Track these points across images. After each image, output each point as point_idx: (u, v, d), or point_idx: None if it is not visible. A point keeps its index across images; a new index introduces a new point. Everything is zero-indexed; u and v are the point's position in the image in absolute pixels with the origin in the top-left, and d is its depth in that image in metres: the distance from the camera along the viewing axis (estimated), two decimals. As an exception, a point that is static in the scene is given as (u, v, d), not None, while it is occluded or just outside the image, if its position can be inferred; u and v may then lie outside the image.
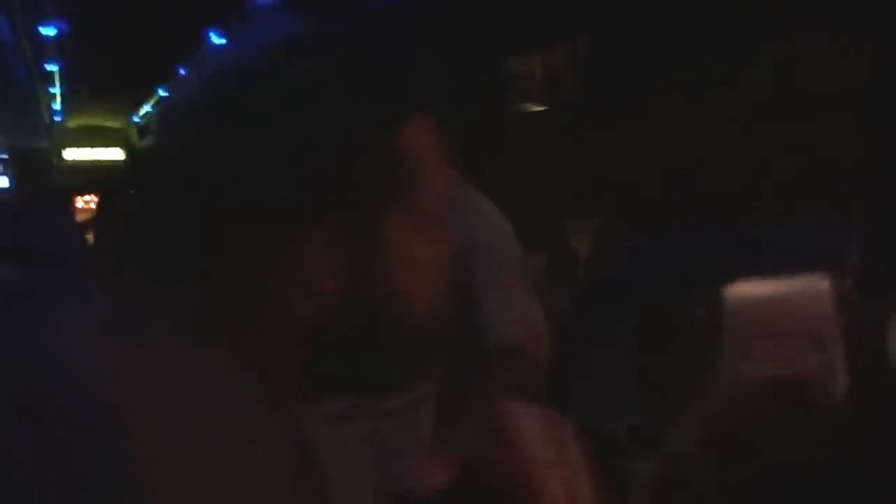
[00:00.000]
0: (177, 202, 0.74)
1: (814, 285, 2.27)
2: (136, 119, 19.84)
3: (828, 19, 3.40)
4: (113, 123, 20.36)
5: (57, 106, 17.20)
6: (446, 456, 0.89)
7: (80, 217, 6.03)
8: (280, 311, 0.74)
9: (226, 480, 0.65)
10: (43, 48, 11.36)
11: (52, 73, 13.11)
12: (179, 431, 0.65)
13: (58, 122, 18.41)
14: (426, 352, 0.80)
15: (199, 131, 0.75)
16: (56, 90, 15.58)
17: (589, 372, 2.61)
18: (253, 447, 0.68)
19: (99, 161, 19.31)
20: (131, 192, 0.81)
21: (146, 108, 17.57)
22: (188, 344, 0.70)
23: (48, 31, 9.87)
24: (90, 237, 2.80)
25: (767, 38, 3.66)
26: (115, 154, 19.59)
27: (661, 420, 2.39)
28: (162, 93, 13.75)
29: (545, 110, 4.74)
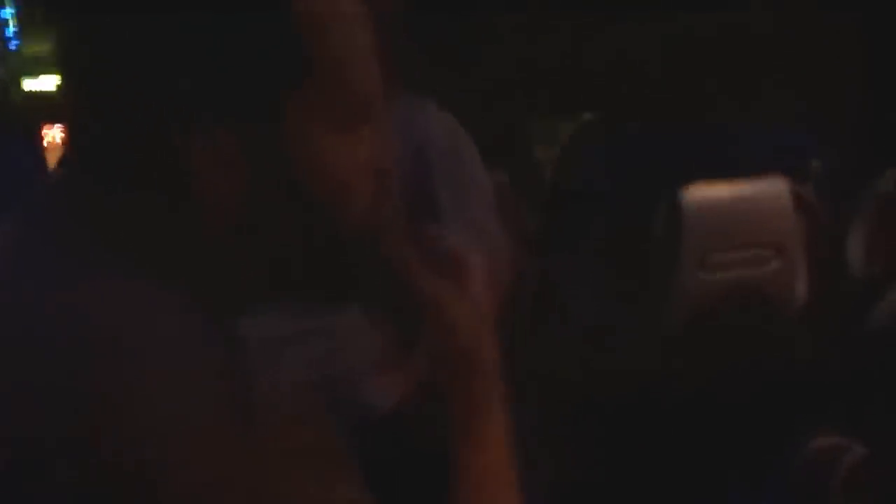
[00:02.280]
0: (104, 118, 0.71)
1: (773, 189, 2.25)
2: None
3: None
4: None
5: (11, 32, 16.78)
6: (403, 371, 0.88)
7: (50, 152, 5.92)
8: (200, 218, 0.70)
9: (160, 399, 0.62)
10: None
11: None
12: (108, 351, 0.63)
13: (13, 49, 17.99)
14: (364, 259, 0.77)
15: (97, 30, 0.71)
16: (9, 15, 15.17)
17: (557, 283, 2.59)
18: (186, 367, 0.65)
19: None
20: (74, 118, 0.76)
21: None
22: (121, 266, 0.68)
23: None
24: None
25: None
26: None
27: (625, 324, 2.38)
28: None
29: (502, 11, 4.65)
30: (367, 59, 0.72)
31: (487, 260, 2.04)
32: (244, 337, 0.73)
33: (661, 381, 2.26)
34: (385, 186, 0.75)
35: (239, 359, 0.70)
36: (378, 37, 0.73)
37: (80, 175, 0.72)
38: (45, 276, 0.66)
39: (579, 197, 2.53)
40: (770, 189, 2.27)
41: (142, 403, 0.61)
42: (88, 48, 0.70)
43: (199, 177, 0.68)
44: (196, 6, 0.67)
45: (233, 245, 0.71)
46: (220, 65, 0.67)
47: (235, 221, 0.70)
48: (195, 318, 0.67)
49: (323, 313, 1.01)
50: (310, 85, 0.69)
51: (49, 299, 0.64)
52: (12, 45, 19.03)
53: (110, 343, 0.63)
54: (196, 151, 0.68)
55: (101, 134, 0.70)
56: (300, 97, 0.68)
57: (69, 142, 0.74)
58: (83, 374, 0.62)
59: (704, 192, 2.23)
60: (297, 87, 0.68)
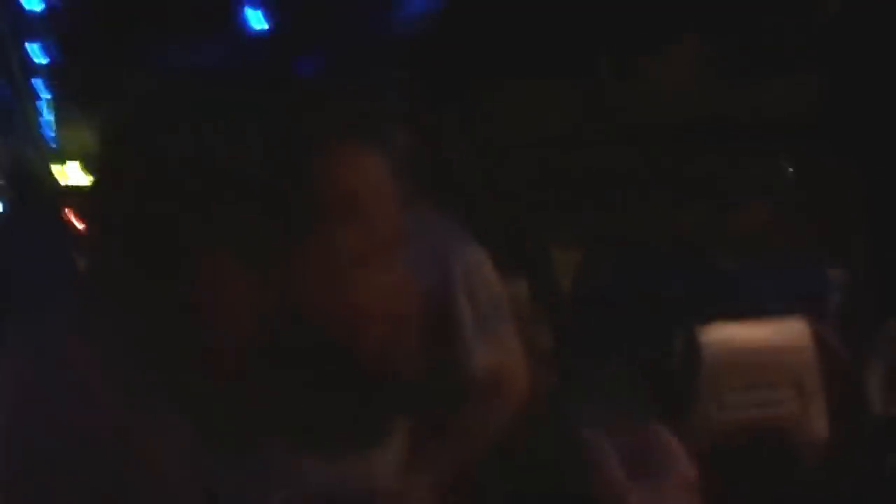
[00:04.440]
0: (114, 225, 0.72)
1: (792, 329, 2.24)
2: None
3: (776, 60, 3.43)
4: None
5: (51, 130, 17.21)
6: (423, 478, 0.86)
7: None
8: (205, 348, 0.70)
9: None
10: (31, 64, 11.36)
11: (43, 97, 13.06)
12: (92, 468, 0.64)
13: (48, 138, 18.39)
14: (389, 401, 0.76)
15: (122, 154, 0.72)
16: (49, 114, 15.57)
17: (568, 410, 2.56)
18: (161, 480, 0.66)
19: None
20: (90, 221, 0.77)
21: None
22: (135, 397, 0.68)
23: (40, 60, 9.88)
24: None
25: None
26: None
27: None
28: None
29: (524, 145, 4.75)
30: (385, 199, 0.73)
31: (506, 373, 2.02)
32: (249, 473, 0.72)
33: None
34: (404, 326, 0.74)
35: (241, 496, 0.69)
36: (394, 176, 0.74)
37: (102, 294, 0.72)
38: (67, 401, 0.67)
39: (596, 322, 2.53)
40: (790, 330, 2.26)
41: None
42: (122, 159, 0.72)
43: (212, 310, 0.69)
44: (214, 147, 0.69)
45: (243, 378, 0.71)
46: (238, 203, 0.69)
47: (248, 356, 0.70)
48: (198, 456, 0.68)
49: (333, 454, 1.00)
50: (326, 226, 0.70)
51: (63, 420, 0.66)
52: (47, 132, 19.51)
53: (113, 476, 0.64)
54: (210, 285, 0.68)
55: (118, 259, 0.71)
56: (317, 237, 0.70)
57: (90, 258, 0.75)
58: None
59: (723, 332, 2.22)
60: (311, 230, 0.69)
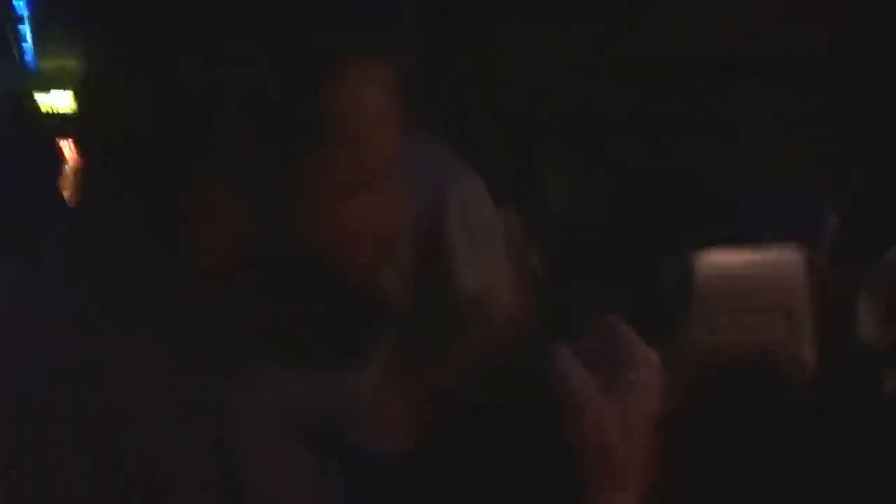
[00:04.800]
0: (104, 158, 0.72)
1: (786, 257, 2.24)
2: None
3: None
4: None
5: (28, 47, 16.92)
6: (404, 415, 0.87)
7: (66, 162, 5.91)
8: (199, 277, 0.70)
9: (148, 467, 0.63)
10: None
11: (20, 14, 12.83)
12: (95, 415, 0.64)
13: (30, 64, 18.13)
14: (369, 312, 0.77)
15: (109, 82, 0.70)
16: (27, 30, 15.31)
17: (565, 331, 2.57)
18: (173, 435, 0.66)
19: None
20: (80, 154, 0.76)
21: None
22: (121, 324, 0.68)
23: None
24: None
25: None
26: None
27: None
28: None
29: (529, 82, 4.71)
30: (382, 124, 0.72)
31: (505, 304, 2.03)
32: (237, 397, 0.72)
33: (663, 441, 2.24)
34: (392, 246, 0.74)
35: (230, 422, 0.70)
36: (392, 100, 0.73)
37: (89, 223, 0.72)
38: (45, 331, 0.68)
39: (589, 248, 2.52)
40: (783, 256, 2.26)
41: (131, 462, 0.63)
42: (106, 83, 0.71)
43: (200, 234, 0.69)
44: (214, 69, 0.67)
45: (231, 304, 0.71)
46: (231, 128, 0.67)
47: (235, 281, 0.70)
48: (187, 380, 0.68)
49: (323, 374, 1.01)
50: (324, 147, 0.69)
51: (44, 353, 0.66)
52: (28, 60, 19.20)
53: (101, 404, 0.64)
54: (203, 205, 0.68)
55: (109, 184, 0.71)
56: (314, 158, 0.69)
57: (81, 184, 0.74)
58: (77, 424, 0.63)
59: (715, 257, 2.22)
60: (310, 153, 0.68)
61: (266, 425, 0.77)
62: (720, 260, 2.18)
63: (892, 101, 3.03)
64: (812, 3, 3.72)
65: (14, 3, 12.68)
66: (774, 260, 2.26)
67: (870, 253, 2.25)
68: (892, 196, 2.66)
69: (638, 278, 2.30)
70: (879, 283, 2.21)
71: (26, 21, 15.74)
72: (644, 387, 0.85)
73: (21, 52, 18.44)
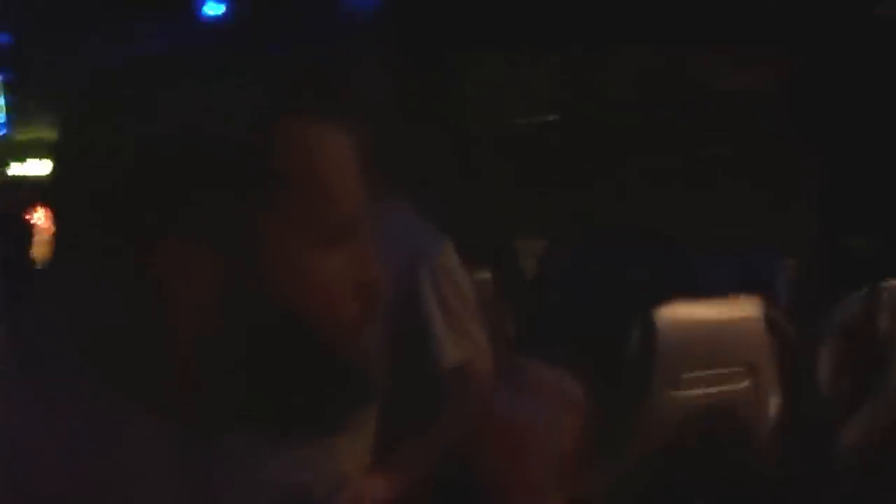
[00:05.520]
0: (69, 217, 0.71)
1: (746, 310, 2.31)
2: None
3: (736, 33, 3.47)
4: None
5: (2, 119, 16.86)
6: (393, 477, 0.83)
7: (39, 233, 5.90)
8: (161, 335, 0.69)
9: None
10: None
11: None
12: (73, 473, 0.63)
13: (3, 135, 18.03)
14: (350, 368, 0.73)
15: (74, 133, 0.72)
16: (1, 101, 15.26)
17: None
18: (148, 489, 0.66)
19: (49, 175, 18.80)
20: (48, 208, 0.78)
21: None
22: (93, 385, 0.68)
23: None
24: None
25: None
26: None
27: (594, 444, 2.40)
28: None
29: (497, 131, 4.76)
30: (347, 175, 0.72)
31: (478, 364, 2.05)
32: (214, 464, 0.72)
33: (629, 495, 2.27)
34: (370, 302, 0.72)
35: (206, 488, 0.70)
36: (357, 152, 0.73)
37: (60, 271, 0.72)
38: (23, 389, 0.67)
39: (558, 305, 2.58)
40: (743, 310, 2.32)
41: None
42: (80, 139, 0.71)
43: (172, 294, 0.68)
44: (174, 125, 0.69)
45: (206, 367, 0.70)
46: (196, 181, 0.68)
47: (211, 343, 0.69)
48: (163, 443, 0.67)
49: (301, 440, 1.00)
50: (287, 204, 0.69)
51: (18, 411, 0.66)
52: (2, 131, 19.09)
53: (78, 465, 0.64)
54: (173, 262, 0.67)
55: (82, 245, 0.70)
56: (278, 216, 0.68)
57: (54, 235, 0.74)
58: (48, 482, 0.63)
59: (678, 312, 2.28)
60: (273, 208, 0.68)
61: (243, 481, 0.76)
62: (681, 314, 2.25)
63: (841, 147, 3.13)
64: (759, 49, 3.82)
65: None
66: (736, 315, 2.33)
67: (826, 303, 2.32)
68: (844, 245, 2.74)
69: (603, 334, 2.35)
70: (832, 336, 2.28)
71: (1, 91, 15.70)
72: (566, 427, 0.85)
73: (-5, 122, 18.36)
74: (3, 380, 0.68)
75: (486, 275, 2.93)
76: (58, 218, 0.74)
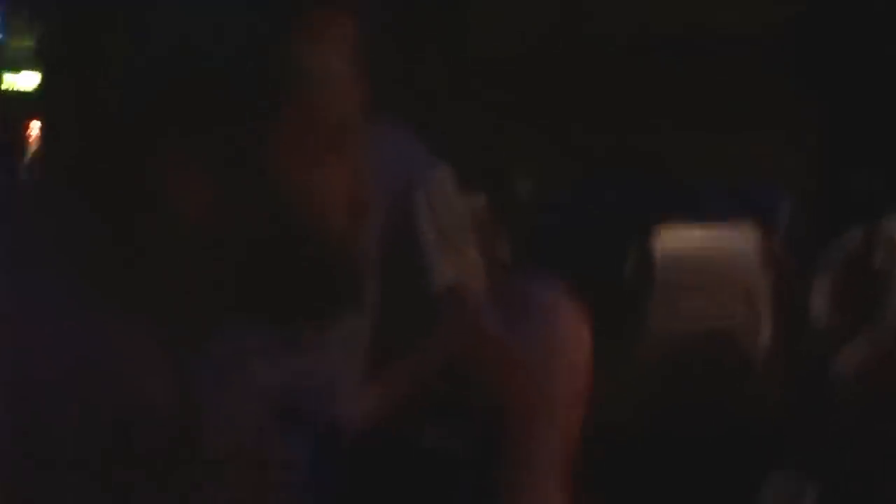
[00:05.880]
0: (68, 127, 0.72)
1: (743, 239, 2.30)
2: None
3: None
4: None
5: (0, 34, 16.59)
6: (384, 391, 0.85)
7: (34, 146, 5.87)
8: (168, 239, 0.69)
9: (108, 419, 0.64)
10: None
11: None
12: (61, 370, 0.64)
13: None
14: (340, 277, 0.74)
15: (70, 49, 0.71)
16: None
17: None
18: (136, 387, 0.66)
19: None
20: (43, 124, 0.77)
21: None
22: (76, 284, 0.68)
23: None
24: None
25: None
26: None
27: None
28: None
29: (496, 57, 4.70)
30: (344, 83, 0.71)
31: (470, 285, 2.06)
32: (203, 369, 0.73)
33: (626, 419, 2.30)
34: (362, 213, 0.74)
35: (198, 383, 0.71)
36: (354, 60, 0.72)
37: (51, 186, 0.72)
38: (6, 294, 0.67)
39: (555, 234, 2.58)
40: (740, 238, 2.32)
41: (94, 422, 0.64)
42: (68, 50, 0.70)
43: (170, 198, 0.68)
44: (179, 34, 0.68)
45: (201, 266, 0.71)
46: (199, 92, 0.68)
47: (205, 251, 0.70)
48: (154, 341, 0.69)
49: (296, 329, 1.01)
50: (284, 114, 0.68)
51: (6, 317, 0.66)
52: (-4, 39, 18.80)
53: (63, 367, 0.65)
54: (168, 175, 0.68)
55: (73, 147, 0.70)
56: (275, 126, 0.68)
57: (43, 149, 0.75)
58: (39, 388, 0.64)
59: (675, 239, 2.28)
60: (275, 118, 0.68)
61: (231, 385, 0.77)
62: (679, 237, 2.24)
63: (842, 84, 3.09)
64: None
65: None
66: (732, 239, 2.32)
67: (823, 238, 2.31)
68: (844, 181, 2.72)
69: (602, 262, 2.35)
70: (830, 271, 2.27)
71: (-5, 0, 15.42)
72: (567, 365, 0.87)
73: (-11, 31, 18.06)
74: None
75: (481, 200, 2.92)
76: (47, 133, 0.74)
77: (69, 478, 0.65)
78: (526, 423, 1.15)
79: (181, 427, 0.67)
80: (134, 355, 0.68)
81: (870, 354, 2.15)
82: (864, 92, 3.09)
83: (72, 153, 0.70)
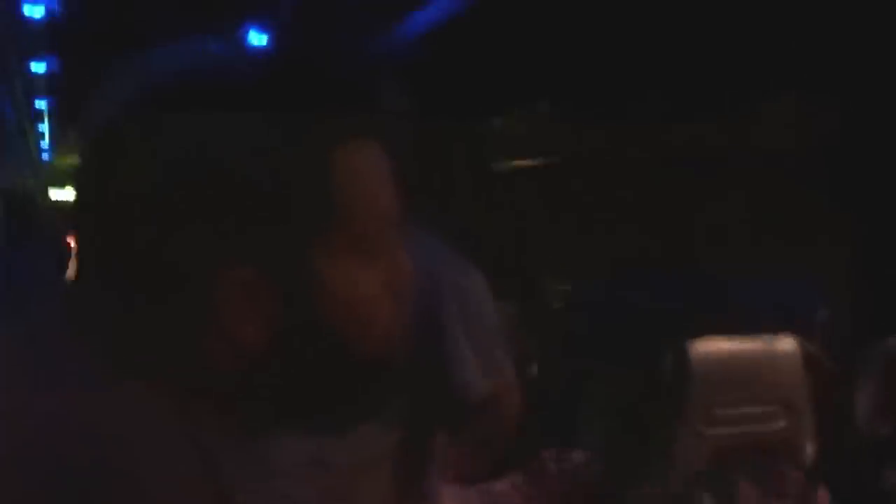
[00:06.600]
0: (97, 239, 0.73)
1: (782, 346, 2.24)
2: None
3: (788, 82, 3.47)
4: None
5: (45, 145, 17.24)
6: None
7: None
8: (204, 360, 0.70)
9: None
10: (32, 85, 11.39)
11: (40, 110, 13.09)
12: (97, 471, 0.63)
13: (46, 161, 18.44)
14: (378, 388, 0.76)
15: (103, 163, 0.72)
16: (45, 128, 15.61)
17: (557, 428, 2.56)
18: (167, 489, 0.65)
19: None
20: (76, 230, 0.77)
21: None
22: (125, 391, 0.68)
23: (38, 68, 9.89)
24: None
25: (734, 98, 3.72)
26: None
27: (626, 480, 2.33)
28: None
29: (523, 169, 4.77)
30: (383, 187, 0.74)
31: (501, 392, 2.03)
32: (243, 465, 0.73)
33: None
34: (401, 311, 0.75)
35: (230, 494, 0.70)
36: (390, 164, 0.75)
37: (95, 292, 0.72)
38: (43, 389, 0.67)
39: (586, 339, 2.53)
40: (779, 346, 2.25)
41: None
42: (114, 182, 0.70)
43: (222, 312, 0.68)
44: (231, 154, 0.68)
45: (246, 373, 0.71)
46: (255, 210, 0.68)
47: (252, 355, 0.70)
48: (193, 448, 0.68)
49: (332, 444, 1.01)
50: (334, 223, 0.70)
51: (47, 413, 0.65)
52: (45, 156, 19.52)
53: (105, 468, 0.63)
54: (223, 289, 0.68)
55: (119, 261, 0.70)
56: (326, 237, 0.70)
57: (80, 260, 0.74)
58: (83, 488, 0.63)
59: (712, 346, 2.22)
60: (327, 230, 0.69)
61: (261, 495, 0.77)
62: (716, 347, 2.18)
63: (874, 186, 3.10)
64: (794, 111, 3.82)
65: (35, 100, 12.99)
66: (771, 351, 2.26)
67: (864, 343, 2.25)
68: (880, 286, 2.68)
69: (636, 364, 2.29)
70: (872, 376, 2.20)
71: (45, 118, 16.09)
72: None
73: (39, 148, 18.77)
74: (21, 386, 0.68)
75: (511, 308, 2.90)
76: (80, 241, 0.74)
77: None
78: None
79: None
80: (169, 456, 0.66)
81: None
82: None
83: (110, 260, 0.70)
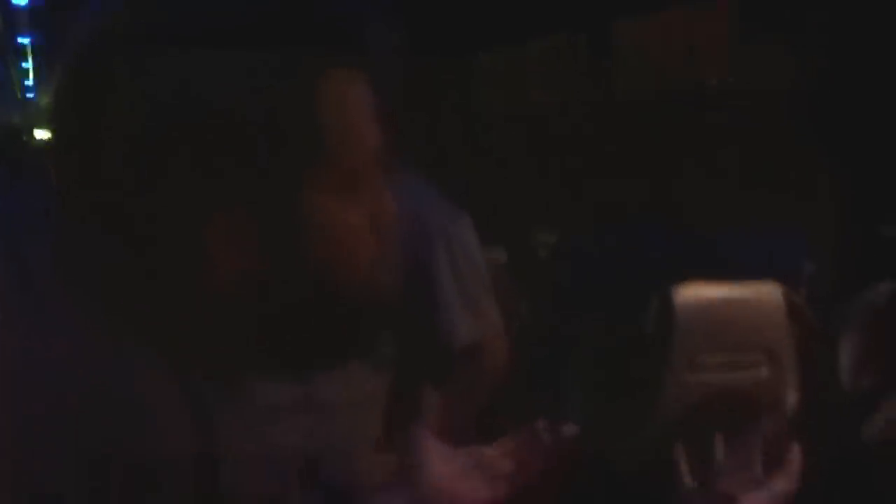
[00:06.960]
0: (82, 181, 0.73)
1: (767, 294, 2.24)
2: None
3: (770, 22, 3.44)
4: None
5: (30, 82, 17.08)
6: (393, 457, 0.89)
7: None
8: (192, 302, 0.70)
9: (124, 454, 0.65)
10: (15, 20, 11.24)
11: (24, 46, 12.93)
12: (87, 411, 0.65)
13: (31, 98, 18.27)
14: (364, 326, 0.78)
15: (89, 103, 0.71)
16: (28, 65, 15.44)
17: (542, 378, 2.58)
18: (157, 428, 0.67)
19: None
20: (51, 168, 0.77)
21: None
22: (103, 324, 0.69)
23: (19, 2, 9.73)
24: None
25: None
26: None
27: (609, 428, 2.35)
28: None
29: (518, 114, 4.75)
30: (370, 122, 0.73)
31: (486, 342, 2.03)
32: (231, 406, 0.73)
33: (642, 479, 2.23)
34: (387, 248, 0.75)
35: (218, 434, 0.71)
36: (378, 99, 0.74)
37: (81, 237, 0.72)
38: (45, 331, 0.68)
39: (572, 289, 2.53)
40: (763, 294, 2.26)
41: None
42: (108, 113, 0.70)
43: (209, 252, 0.68)
44: (222, 92, 0.67)
45: (234, 313, 0.71)
46: (243, 147, 0.67)
47: (239, 290, 0.70)
48: (179, 388, 0.69)
49: (315, 385, 1.03)
50: (317, 157, 0.70)
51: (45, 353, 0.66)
52: (29, 95, 19.31)
53: (84, 400, 0.65)
54: (210, 229, 0.68)
55: (113, 194, 0.70)
56: (310, 170, 0.70)
57: (64, 203, 0.75)
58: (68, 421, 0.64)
59: (697, 292, 2.23)
60: (314, 164, 0.69)
61: (252, 440, 0.77)
62: (699, 294, 2.19)
63: (870, 137, 3.09)
64: (782, 42, 3.78)
65: (18, 38, 12.79)
66: (755, 298, 2.27)
67: (849, 294, 2.26)
68: (865, 234, 2.68)
69: (622, 314, 2.30)
70: (855, 329, 2.21)
71: (30, 56, 15.88)
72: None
73: (23, 86, 18.56)
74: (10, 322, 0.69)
75: (499, 252, 2.91)
76: (62, 185, 0.75)
77: None
78: None
79: (199, 475, 0.66)
80: (157, 398, 0.67)
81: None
82: (893, 146, 3.07)
83: (83, 196, 0.72)
